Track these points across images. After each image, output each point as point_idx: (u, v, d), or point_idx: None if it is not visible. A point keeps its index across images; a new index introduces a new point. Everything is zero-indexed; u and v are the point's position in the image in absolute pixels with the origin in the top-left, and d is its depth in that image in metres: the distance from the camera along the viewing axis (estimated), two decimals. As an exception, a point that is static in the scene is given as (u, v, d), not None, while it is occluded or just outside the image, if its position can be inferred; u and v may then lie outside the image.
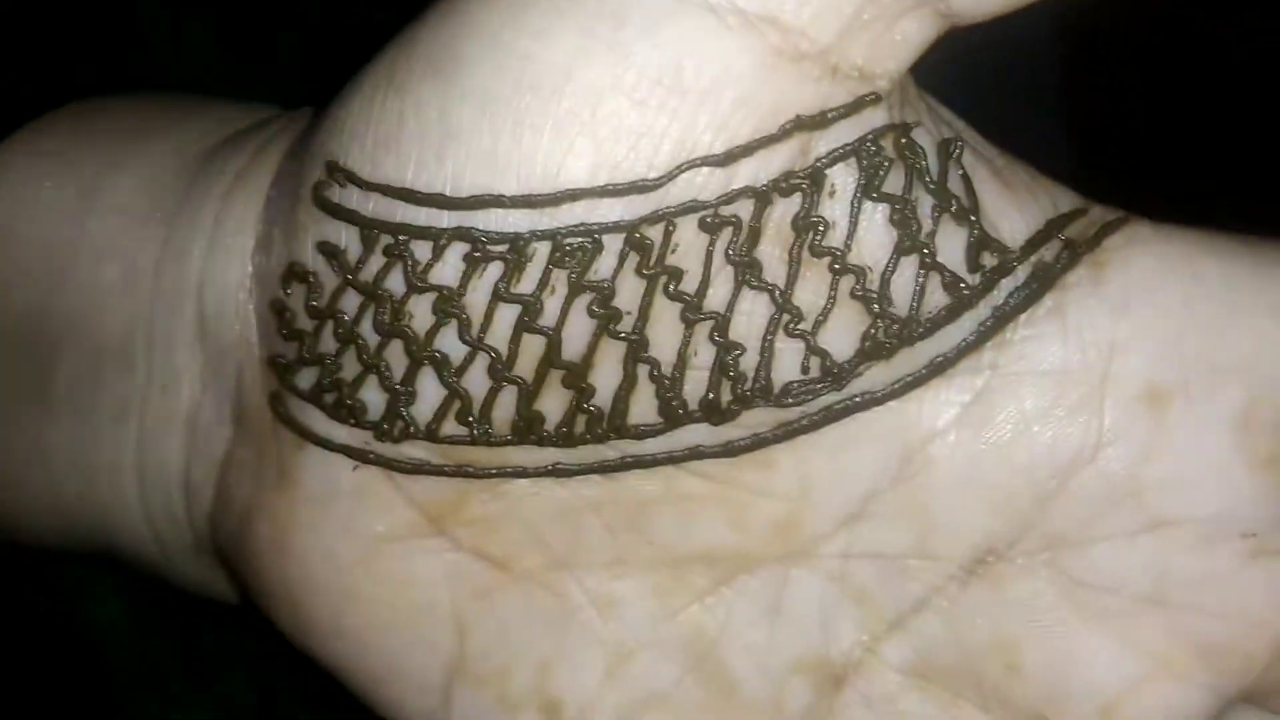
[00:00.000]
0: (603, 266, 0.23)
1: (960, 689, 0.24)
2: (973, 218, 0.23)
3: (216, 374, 0.27)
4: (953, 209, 0.23)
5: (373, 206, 0.23)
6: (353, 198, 0.23)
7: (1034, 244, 0.23)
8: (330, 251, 0.24)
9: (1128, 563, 0.23)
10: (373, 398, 0.24)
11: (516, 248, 0.22)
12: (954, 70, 0.26)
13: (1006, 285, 0.23)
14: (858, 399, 0.23)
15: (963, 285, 0.23)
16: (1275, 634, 0.23)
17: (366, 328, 0.24)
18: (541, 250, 0.22)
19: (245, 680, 0.38)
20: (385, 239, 0.23)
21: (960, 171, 0.23)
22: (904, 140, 0.22)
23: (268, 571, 0.26)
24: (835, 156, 0.22)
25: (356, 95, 0.24)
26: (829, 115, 0.22)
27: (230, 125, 0.29)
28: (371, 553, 0.25)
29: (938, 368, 0.23)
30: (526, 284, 0.23)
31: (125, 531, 0.29)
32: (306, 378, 0.25)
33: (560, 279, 0.23)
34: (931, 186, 0.23)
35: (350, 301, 0.24)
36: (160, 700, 0.38)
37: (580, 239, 0.22)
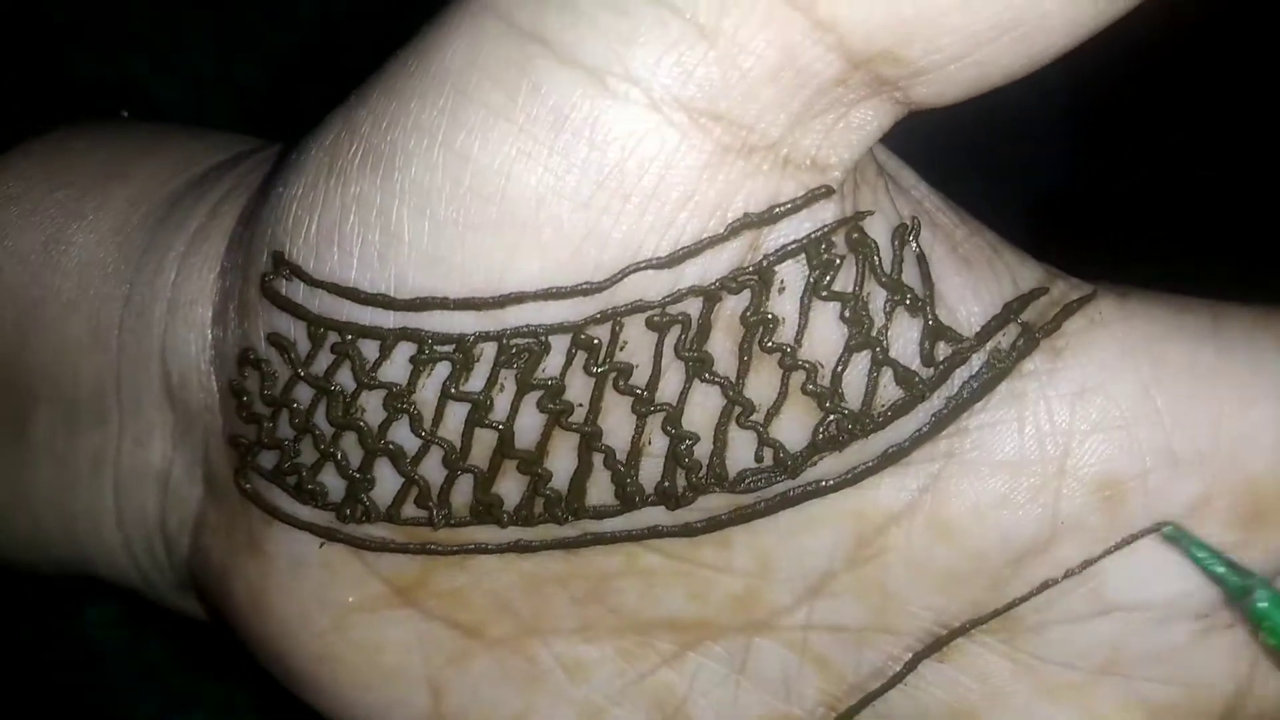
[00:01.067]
0: (551, 365, 0.22)
1: None
2: (927, 309, 0.22)
3: (186, 435, 0.27)
4: (906, 301, 0.22)
5: (319, 303, 0.23)
6: (299, 292, 0.23)
7: (989, 330, 0.23)
8: (280, 344, 0.24)
9: (1082, 642, 0.23)
10: (333, 482, 0.25)
11: (463, 348, 0.22)
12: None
13: (961, 374, 0.23)
14: (811, 486, 0.23)
15: (916, 380, 0.22)
16: (1226, 695, 0.24)
17: (321, 418, 0.24)
18: (488, 351, 0.22)
19: (244, 680, 0.39)
20: (333, 336, 0.23)
21: (916, 251, 0.22)
22: (855, 235, 0.22)
23: (248, 626, 0.27)
24: (784, 254, 0.22)
25: (300, 178, 0.23)
26: (777, 211, 0.21)
27: (191, 165, 0.29)
28: (344, 621, 0.26)
29: (891, 458, 0.23)
30: (475, 382, 0.23)
31: (111, 568, 0.30)
32: (268, 459, 0.25)
33: (509, 377, 0.22)
34: (884, 279, 0.22)
35: (304, 393, 0.24)
36: (159, 700, 0.39)
37: (526, 340, 0.22)
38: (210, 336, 0.26)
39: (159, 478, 0.28)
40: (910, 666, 0.24)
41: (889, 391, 0.23)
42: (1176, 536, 0.22)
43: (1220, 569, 0.22)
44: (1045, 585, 0.23)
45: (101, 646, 0.39)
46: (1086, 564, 0.23)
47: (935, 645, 0.24)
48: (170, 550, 0.29)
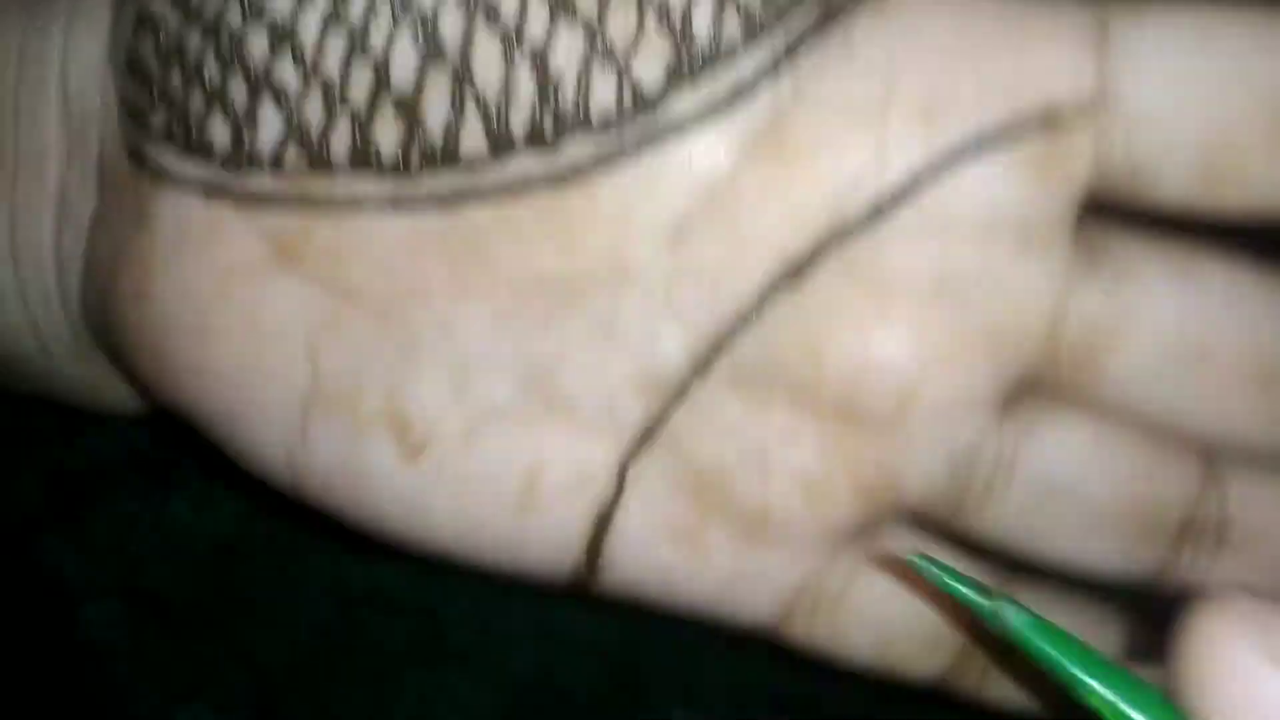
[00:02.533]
0: (425, -4, 0.24)
1: (773, 388, 0.27)
2: None
3: (81, 147, 0.28)
4: (748, -58, 0.25)
5: None
6: None
7: None
8: (173, -7, 0.25)
9: (915, 263, 0.26)
10: (219, 131, 0.26)
11: (343, -24, 0.24)
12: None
13: (798, 17, 0.25)
14: (667, 126, 0.25)
15: (757, 16, 0.25)
16: (1047, 315, 0.26)
17: (210, 63, 0.25)
18: (367, -21, 0.24)
19: (246, 678, 0.39)
20: (222, -27, 0.25)
21: None
22: None
23: (131, 321, 0.28)
24: (638, -112, 0.24)
25: None
26: None
27: None
28: (225, 286, 0.27)
29: (737, 95, 0.25)
30: (355, 12, 0.24)
31: (2, 326, 0.31)
32: (159, 119, 0.26)
33: (385, 6, 0.24)
34: (728, -80, 0.24)
35: (194, 39, 0.25)
36: (159, 696, 0.39)
37: (403, -33, 0.24)
38: (110, 38, 0.27)
39: (56, 198, 0.29)
40: (765, 297, 0.26)
41: (733, 29, 0.25)
42: (919, 565, 0.22)
43: (965, 590, 0.21)
44: (878, 202, 0.25)
45: (100, 644, 0.39)
46: (912, 179, 0.25)
47: (785, 275, 0.26)
48: (63, 284, 0.29)
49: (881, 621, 0.29)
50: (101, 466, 0.29)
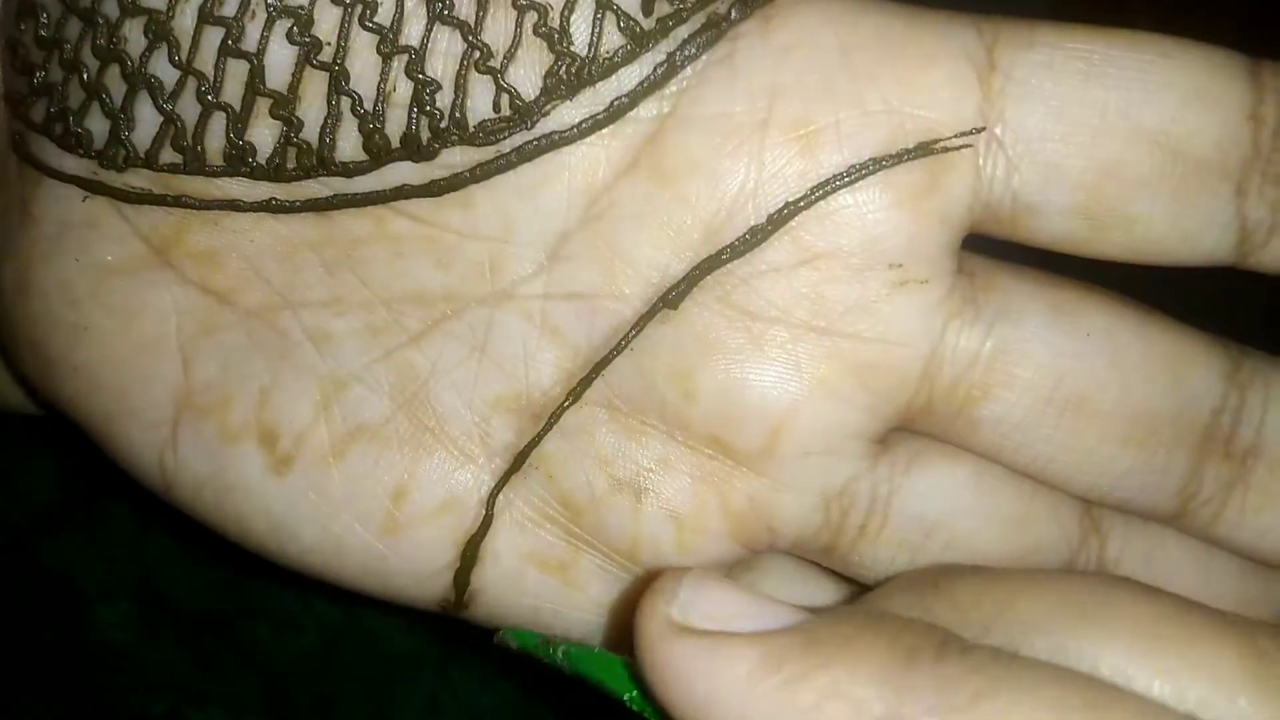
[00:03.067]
0: (300, -7, 0.24)
1: (646, 417, 0.26)
2: None
3: None
4: (630, -46, 0.24)
5: None
6: None
7: None
8: (54, -18, 0.25)
9: (789, 293, 0.25)
10: (97, 126, 0.26)
11: (218, -29, 0.24)
12: None
13: (682, 32, 0.25)
14: (545, 139, 0.25)
15: (638, 28, 0.24)
16: (922, 354, 0.25)
17: (87, 54, 0.25)
18: (242, -25, 0.24)
19: (257, 680, 0.39)
20: (101, -36, 0.24)
21: None
22: None
23: (13, 313, 0.28)
24: (517, -105, 0.24)
25: None
26: None
27: None
28: (102, 284, 0.26)
29: (618, 111, 0.25)
30: (230, 8, 0.24)
31: None
32: (40, 111, 0.26)
33: (260, 3, 0.24)
34: (609, -69, 0.24)
35: (74, 29, 0.25)
36: (172, 698, 0.39)
37: (278, -36, 0.24)
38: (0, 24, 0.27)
39: None
40: (641, 321, 0.25)
41: (613, 40, 0.24)
42: (512, 636, 0.26)
43: (535, 649, 0.25)
44: (752, 231, 0.25)
45: (113, 646, 0.39)
46: (787, 208, 0.24)
47: (659, 302, 0.25)
48: None
49: None
50: (115, 468, 0.29)
